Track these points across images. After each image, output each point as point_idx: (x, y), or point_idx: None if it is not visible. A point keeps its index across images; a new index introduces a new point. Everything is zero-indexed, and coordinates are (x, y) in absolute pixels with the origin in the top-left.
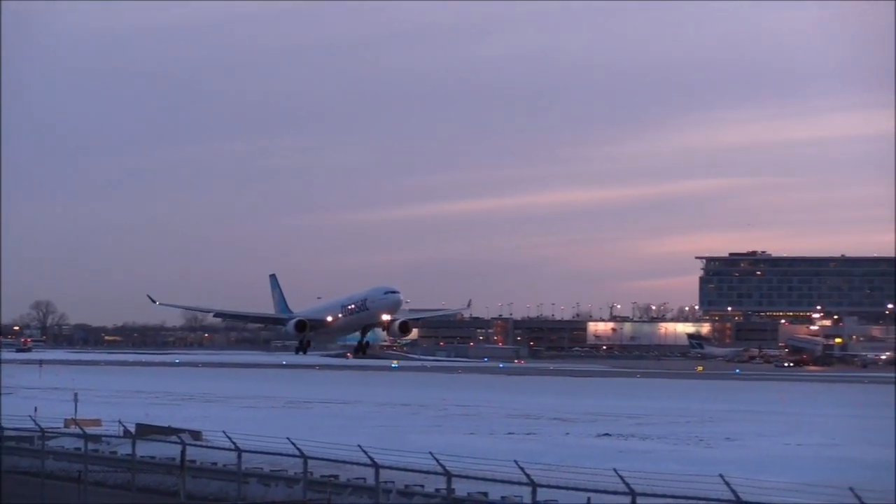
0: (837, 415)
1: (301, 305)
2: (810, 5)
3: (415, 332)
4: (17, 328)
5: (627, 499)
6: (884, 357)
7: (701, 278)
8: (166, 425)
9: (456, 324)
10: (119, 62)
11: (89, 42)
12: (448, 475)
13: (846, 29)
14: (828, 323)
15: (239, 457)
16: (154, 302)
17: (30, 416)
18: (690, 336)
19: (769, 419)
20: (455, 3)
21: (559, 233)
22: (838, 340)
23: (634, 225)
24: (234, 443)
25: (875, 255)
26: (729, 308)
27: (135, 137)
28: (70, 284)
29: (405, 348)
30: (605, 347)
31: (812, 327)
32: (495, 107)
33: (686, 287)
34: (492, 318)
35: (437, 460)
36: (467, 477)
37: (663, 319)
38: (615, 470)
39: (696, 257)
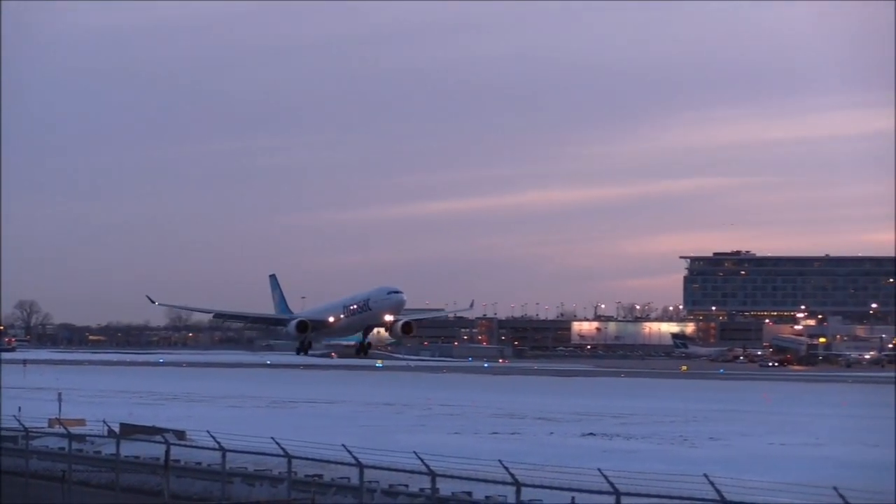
0: (821, 414)
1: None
2: (797, 5)
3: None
4: (0, 328)
5: (612, 498)
6: (868, 357)
7: (685, 278)
8: (150, 425)
9: (440, 323)
10: (111, 61)
11: (80, 41)
12: (432, 475)
13: (836, 28)
14: (812, 322)
15: (223, 456)
16: (153, 302)
17: (14, 415)
18: (675, 336)
19: (753, 419)
20: (450, 2)
21: (543, 232)
22: (822, 340)
23: (618, 224)
24: (218, 442)
25: (859, 254)
26: (713, 308)
27: (122, 137)
28: (54, 284)
29: (389, 348)
30: (589, 347)
31: (796, 327)
32: (483, 106)
33: (670, 287)
34: (476, 318)
35: (422, 460)
36: (451, 476)
37: (647, 319)
38: (599, 469)
39: (681, 257)
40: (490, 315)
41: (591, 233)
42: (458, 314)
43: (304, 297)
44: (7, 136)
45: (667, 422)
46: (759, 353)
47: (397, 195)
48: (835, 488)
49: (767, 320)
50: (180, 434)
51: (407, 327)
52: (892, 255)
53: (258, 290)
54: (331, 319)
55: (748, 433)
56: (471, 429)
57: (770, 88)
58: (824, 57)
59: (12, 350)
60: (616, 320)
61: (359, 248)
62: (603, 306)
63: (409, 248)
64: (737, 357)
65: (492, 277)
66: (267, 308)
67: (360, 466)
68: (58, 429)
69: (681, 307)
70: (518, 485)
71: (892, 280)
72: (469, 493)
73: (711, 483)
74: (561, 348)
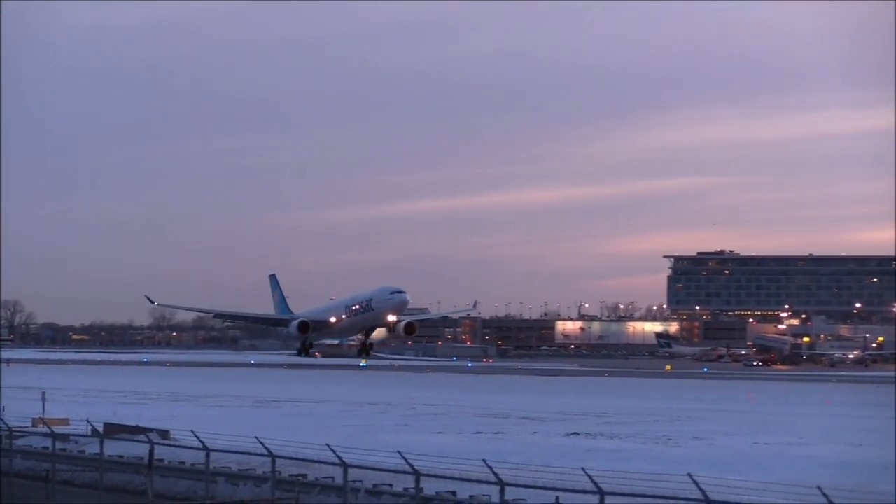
0: (805, 414)
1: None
2: (786, 4)
3: (382, 331)
4: None
5: (596, 498)
6: (851, 356)
7: (669, 277)
8: (134, 424)
9: (424, 323)
10: (104, 60)
11: (72, 39)
12: (416, 474)
13: (823, 27)
14: (796, 322)
15: (207, 456)
16: (153, 303)
17: None
18: (658, 335)
19: (737, 418)
20: (442, 1)
21: (527, 232)
22: (806, 339)
23: (602, 224)
24: (202, 442)
25: (843, 254)
26: (697, 307)
27: (109, 136)
28: (38, 283)
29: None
30: (573, 346)
31: (780, 326)
32: (470, 105)
33: (654, 286)
34: (460, 318)
35: (406, 459)
36: (436, 476)
37: (631, 318)
38: (583, 469)
39: (664, 256)
40: (474, 315)
41: (574, 232)
42: (461, 314)
43: (288, 297)
44: None
45: (651, 421)
46: (743, 352)
47: (380, 195)
48: (819, 488)
49: (751, 320)
50: (164, 433)
51: (409, 328)
52: (875, 254)
53: (250, 289)
54: (332, 320)
55: (732, 433)
56: (455, 428)
57: (754, 88)
58: (813, 56)
59: None
60: (600, 320)
61: (343, 248)
62: (587, 306)
63: (392, 248)
64: (720, 356)
65: (475, 277)
66: (262, 308)
67: (345, 466)
68: (41, 428)
69: (664, 306)
70: (502, 484)
71: (875, 279)
72: (453, 493)
73: (695, 482)
74: (545, 348)
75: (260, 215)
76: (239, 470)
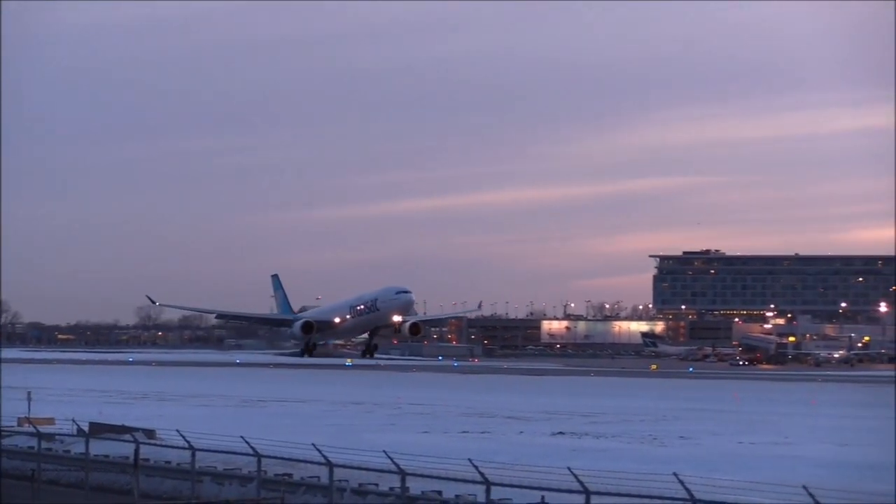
0: (791, 413)
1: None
2: (764, 4)
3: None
4: None
5: (582, 497)
6: (837, 356)
7: (654, 277)
8: (120, 424)
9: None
10: (86, 60)
11: (55, 39)
12: (402, 473)
13: (818, 26)
14: (781, 321)
15: (193, 455)
16: (154, 303)
17: None
18: (644, 334)
19: (723, 417)
20: (421, 1)
21: (513, 231)
22: (792, 339)
23: (588, 223)
24: (187, 441)
25: (829, 253)
26: (683, 306)
27: (91, 135)
28: (23, 283)
29: (359, 346)
30: (558, 346)
31: (766, 326)
32: (452, 105)
33: (640, 286)
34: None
35: (392, 459)
36: (421, 475)
37: (617, 318)
38: (569, 468)
39: (650, 256)
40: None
41: (560, 232)
42: (465, 315)
43: (271, 296)
44: None
45: (636, 421)
46: (729, 351)
47: (366, 194)
48: (804, 487)
49: (737, 319)
50: (150, 433)
51: (415, 328)
52: (861, 254)
53: (242, 288)
54: (336, 320)
55: (718, 432)
56: (440, 428)
57: (739, 87)
58: (804, 55)
59: None
60: (586, 319)
61: (328, 247)
62: (572, 305)
63: (377, 247)
64: (706, 356)
65: (461, 276)
66: (255, 307)
67: (330, 465)
68: (27, 428)
69: (650, 306)
70: (488, 484)
71: (861, 279)
72: (439, 492)
73: (681, 482)
74: (530, 347)
75: (250, 215)
76: (224, 469)
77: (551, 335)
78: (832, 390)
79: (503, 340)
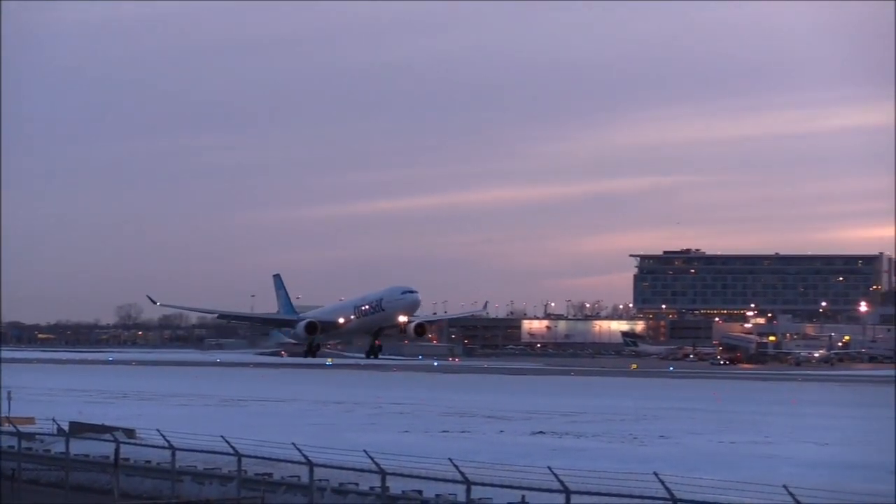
0: (771, 412)
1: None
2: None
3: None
4: None
5: (562, 497)
6: (817, 355)
7: (635, 276)
8: (100, 423)
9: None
10: (69, 58)
11: (39, 38)
12: (382, 473)
13: (801, 24)
14: (762, 321)
15: (173, 455)
16: (155, 303)
17: None
18: (625, 334)
19: (703, 417)
20: (402, 1)
21: (493, 230)
22: (772, 338)
23: (568, 223)
24: (168, 441)
25: (809, 253)
26: (663, 306)
27: (71, 134)
28: (2, 282)
29: (339, 346)
30: (539, 345)
31: (746, 325)
32: (432, 104)
33: (620, 285)
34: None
35: (372, 458)
36: (402, 475)
37: (597, 317)
38: (550, 468)
39: (630, 255)
40: (440, 313)
41: (540, 231)
42: (471, 315)
43: (253, 296)
44: None
45: (617, 420)
46: (709, 351)
47: (345, 193)
48: (785, 486)
49: (717, 318)
50: (130, 432)
51: (420, 328)
52: (842, 253)
53: (219, 287)
54: (341, 321)
55: (698, 431)
56: (421, 427)
57: (720, 87)
58: (783, 54)
59: None
60: (566, 319)
61: (308, 246)
62: (553, 304)
63: (356, 246)
64: (686, 355)
65: (441, 275)
66: (245, 307)
67: (311, 465)
68: (7, 427)
69: (631, 305)
70: (468, 483)
71: (841, 279)
72: (419, 492)
73: (661, 481)
74: (511, 347)
75: (239, 213)
76: (205, 469)
77: (532, 334)
78: (812, 390)
79: (483, 340)
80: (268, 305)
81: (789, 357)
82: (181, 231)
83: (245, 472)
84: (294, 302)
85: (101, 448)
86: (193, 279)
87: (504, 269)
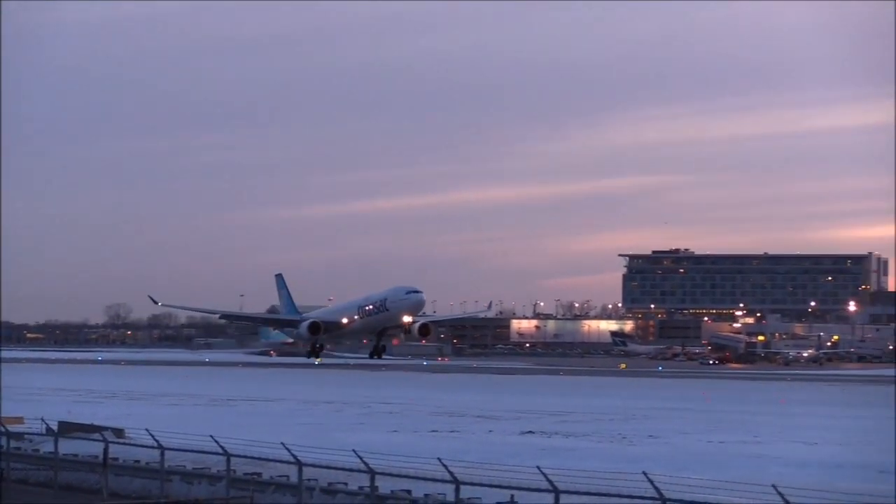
0: (760, 412)
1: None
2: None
3: None
4: None
5: (551, 496)
6: (806, 355)
7: (624, 276)
8: (89, 423)
9: None
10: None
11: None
12: (371, 473)
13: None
14: (751, 320)
15: (162, 455)
16: (156, 303)
17: None
18: (614, 333)
19: (692, 416)
20: (387, 1)
21: (482, 230)
22: (761, 338)
23: (557, 222)
24: (156, 440)
25: (798, 252)
26: (652, 305)
27: (59, 132)
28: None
29: (331, 347)
30: (528, 345)
31: (735, 325)
32: (422, 104)
33: (609, 284)
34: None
35: (361, 458)
36: (391, 474)
37: (586, 317)
38: (539, 467)
39: (619, 255)
40: (429, 313)
41: (529, 231)
42: (476, 315)
43: (242, 296)
44: None
45: (606, 420)
46: (698, 350)
47: (335, 194)
48: (774, 486)
49: (706, 318)
50: (119, 432)
51: (425, 329)
52: (830, 253)
53: (201, 286)
54: (344, 321)
55: (687, 431)
56: (410, 427)
57: (706, 87)
58: (783, 54)
59: None
60: (555, 318)
61: (295, 246)
62: (542, 304)
63: (345, 246)
64: (675, 355)
65: (430, 275)
66: (233, 306)
67: (300, 464)
68: None
69: (620, 305)
70: (457, 483)
71: (830, 278)
72: (408, 492)
73: (650, 481)
74: (500, 346)
75: (231, 213)
76: (194, 469)
77: (521, 334)
78: (801, 389)
79: (472, 339)
80: (257, 305)
81: (778, 357)
82: (181, 231)
83: (234, 471)
84: (327, 304)
85: (90, 448)
86: (193, 279)
87: (493, 268)
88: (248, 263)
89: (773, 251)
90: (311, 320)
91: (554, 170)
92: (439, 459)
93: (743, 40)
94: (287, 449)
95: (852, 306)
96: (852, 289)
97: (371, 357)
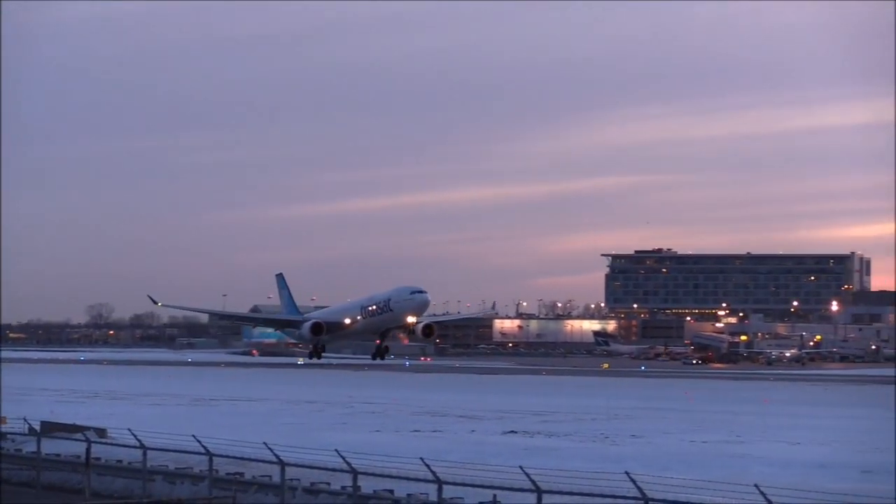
0: (743, 412)
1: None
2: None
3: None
4: None
5: (533, 496)
6: (788, 354)
7: (607, 276)
8: (71, 423)
9: None
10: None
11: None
12: (354, 472)
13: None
14: (733, 320)
15: (144, 454)
16: (156, 303)
17: None
18: (596, 333)
19: (675, 416)
20: (387, 1)
21: (465, 230)
22: (744, 338)
23: (540, 222)
24: (139, 440)
25: (780, 252)
26: (635, 305)
27: (44, 131)
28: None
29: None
30: (511, 345)
31: (717, 325)
32: (406, 104)
33: (592, 284)
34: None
35: (343, 458)
36: (373, 474)
37: (569, 317)
38: (521, 467)
39: (602, 255)
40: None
41: (512, 230)
42: (479, 316)
43: (225, 295)
44: None
45: (588, 419)
46: (681, 350)
47: (317, 194)
48: (756, 486)
49: (689, 318)
50: (101, 432)
51: (428, 330)
52: (813, 253)
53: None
54: (347, 321)
55: (670, 431)
56: (392, 427)
57: (689, 87)
58: (783, 53)
59: None
60: (538, 318)
61: (279, 246)
62: (524, 304)
63: (328, 246)
64: (658, 355)
65: (412, 275)
66: (214, 307)
67: (282, 464)
68: None
69: (602, 305)
70: (439, 483)
71: (813, 278)
72: (391, 491)
73: (633, 481)
74: (483, 346)
75: (231, 213)
76: (176, 468)
77: (503, 334)
78: (784, 389)
79: (455, 339)
80: (239, 304)
81: (761, 356)
82: (181, 230)
83: (216, 471)
84: (266, 302)
85: (72, 447)
86: (194, 279)
87: (476, 268)
88: (230, 262)
89: (755, 251)
90: (314, 321)
91: (535, 170)
92: (422, 459)
93: (737, 39)
94: (270, 449)
95: (835, 306)
96: (835, 289)
97: (374, 358)
